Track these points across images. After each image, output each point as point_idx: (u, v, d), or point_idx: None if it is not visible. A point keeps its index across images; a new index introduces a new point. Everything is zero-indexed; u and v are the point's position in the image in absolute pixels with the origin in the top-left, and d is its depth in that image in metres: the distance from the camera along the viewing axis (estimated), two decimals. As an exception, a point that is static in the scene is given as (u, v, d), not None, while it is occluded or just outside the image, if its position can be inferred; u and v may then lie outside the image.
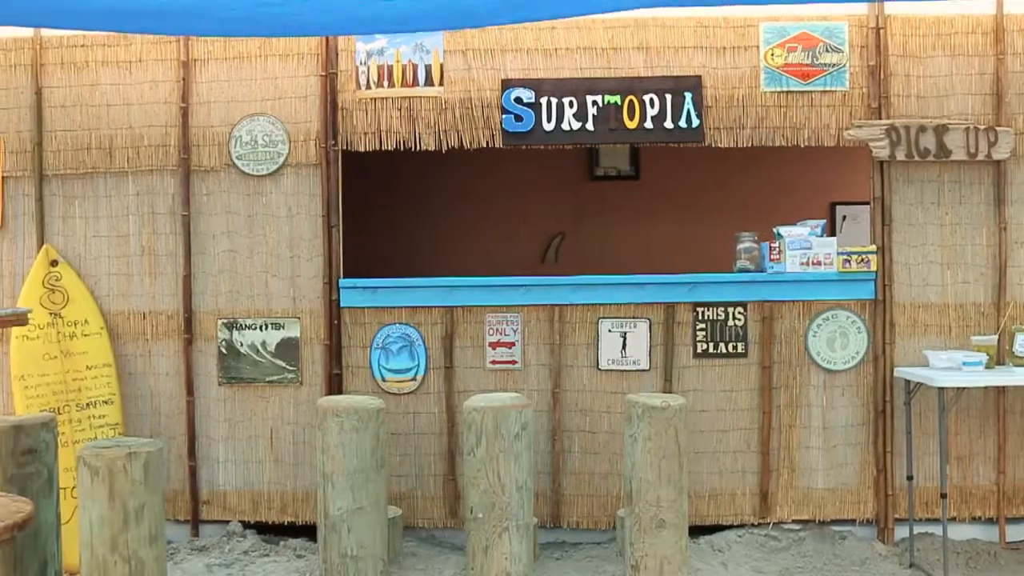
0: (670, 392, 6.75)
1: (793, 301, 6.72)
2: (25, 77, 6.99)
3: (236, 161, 6.88)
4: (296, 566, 6.39)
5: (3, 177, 7.00)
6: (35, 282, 6.89)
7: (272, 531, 6.97)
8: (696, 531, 6.67)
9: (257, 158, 6.88)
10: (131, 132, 6.94)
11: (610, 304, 6.76)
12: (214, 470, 6.97)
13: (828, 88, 6.76)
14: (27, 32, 6.98)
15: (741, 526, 6.82)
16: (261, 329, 6.91)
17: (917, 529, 6.67)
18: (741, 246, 6.86)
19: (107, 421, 6.83)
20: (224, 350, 6.92)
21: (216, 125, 6.90)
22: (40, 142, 6.97)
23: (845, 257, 6.68)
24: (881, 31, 6.75)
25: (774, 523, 6.81)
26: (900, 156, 6.68)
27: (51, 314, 6.86)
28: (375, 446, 6.05)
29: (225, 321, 6.92)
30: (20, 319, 4.57)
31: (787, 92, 6.75)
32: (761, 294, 6.71)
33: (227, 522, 6.96)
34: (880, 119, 6.73)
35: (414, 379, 6.87)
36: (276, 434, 6.91)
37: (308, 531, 6.88)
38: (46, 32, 6.97)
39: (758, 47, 6.75)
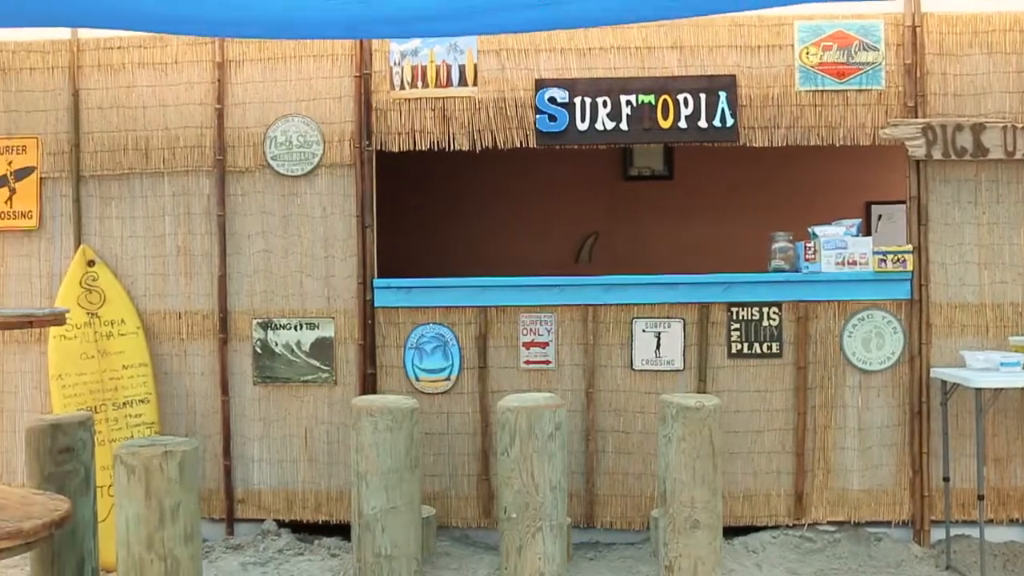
0: (704, 392, 6.73)
1: (828, 301, 6.69)
2: (63, 79, 7.05)
3: (271, 162, 6.91)
4: (330, 565, 6.41)
5: (41, 178, 7.06)
6: (72, 282, 6.95)
7: (306, 530, 7.00)
8: (730, 532, 6.65)
9: (292, 159, 6.91)
10: (167, 133, 6.98)
11: (644, 304, 6.74)
12: (249, 469, 7.00)
13: (864, 87, 6.72)
14: (64, 34, 7.04)
15: (776, 527, 6.79)
16: (296, 329, 6.94)
17: (954, 531, 6.62)
18: (776, 246, 6.82)
19: (143, 420, 6.88)
20: (259, 350, 6.95)
21: (251, 126, 6.94)
22: (77, 143, 7.03)
23: (881, 257, 6.64)
24: (917, 29, 6.71)
25: (809, 524, 6.78)
26: (936, 155, 6.63)
27: (88, 314, 6.91)
28: (409, 446, 6.06)
29: (260, 321, 6.95)
30: (58, 319, 4.61)
31: (822, 91, 6.71)
32: (796, 294, 6.68)
33: (262, 521, 7.00)
34: (916, 118, 6.69)
35: (448, 379, 6.88)
36: (310, 433, 6.94)
37: (342, 530, 6.90)
38: (83, 34, 7.03)
39: (793, 46, 6.71)
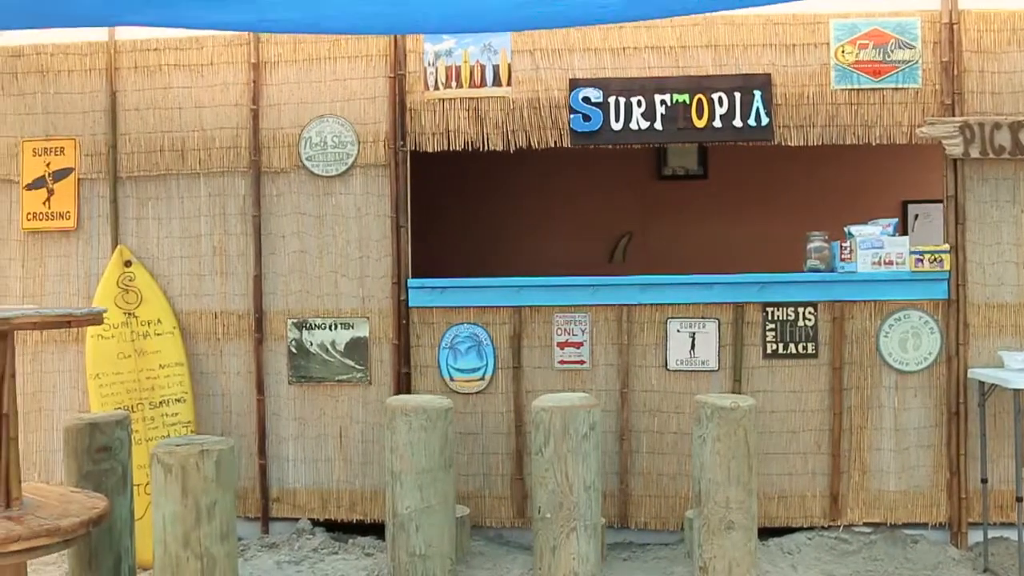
0: (739, 393, 6.70)
1: (864, 301, 6.65)
2: (100, 81, 7.11)
3: (306, 162, 6.94)
4: (365, 564, 6.43)
5: (79, 179, 7.12)
6: (110, 282, 7.00)
7: (341, 529, 7.02)
8: (765, 533, 6.62)
9: (326, 159, 6.93)
10: (203, 134, 7.03)
11: (679, 304, 6.72)
12: (284, 468, 7.03)
13: (900, 85, 6.67)
14: (102, 36, 7.09)
15: (811, 528, 6.75)
16: (330, 329, 6.96)
17: (991, 533, 6.56)
18: (811, 245, 6.79)
19: (179, 419, 6.93)
20: (294, 349, 6.98)
21: (286, 127, 6.97)
22: (115, 145, 7.08)
23: (918, 256, 6.59)
24: (955, 26, 6.65)
25: (844, 526, 6.74)
26: (974, 153, 6.58)
27: (125, 314, 6.97)
28: (443, 445, 6.07)
29: (295, 321, 6.98)
30: (96, 319, 4.65)
31: (858, 89, 6.67)
32: (832, 294, 6.64)
33: (297, 520, 7.03)
34: (953, 116, 6.63)
35: (482, 379, 6.89)
36: (345, 433, 6.96)
37: (376, 529, 6.92)
38: (120, 36, 7.08)
39: (828, 44, 6.68)
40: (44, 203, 7.13)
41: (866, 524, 6.74)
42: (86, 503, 4.62)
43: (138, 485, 6.68)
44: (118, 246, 7.07)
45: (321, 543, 6.76)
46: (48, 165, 7.12)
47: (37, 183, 7.12)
